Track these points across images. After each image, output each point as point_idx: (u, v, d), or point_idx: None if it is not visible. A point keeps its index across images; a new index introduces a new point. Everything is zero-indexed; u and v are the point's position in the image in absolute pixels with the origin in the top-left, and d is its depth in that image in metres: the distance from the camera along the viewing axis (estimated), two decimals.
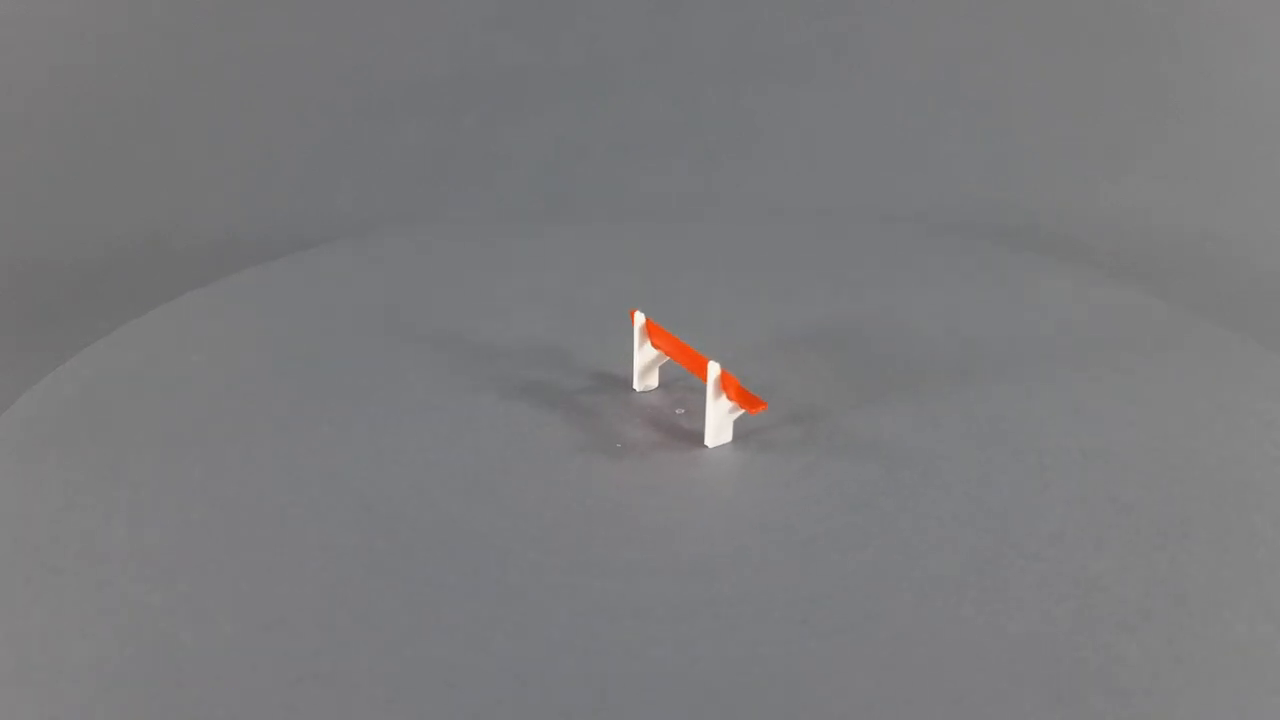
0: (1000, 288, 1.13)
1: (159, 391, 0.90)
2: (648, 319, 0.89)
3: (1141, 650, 0.64)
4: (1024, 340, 1.01)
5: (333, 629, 0.65)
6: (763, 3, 1.87)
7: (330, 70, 1.84)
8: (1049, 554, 0.72)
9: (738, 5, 1.87)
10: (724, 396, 0.82)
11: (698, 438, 0.83)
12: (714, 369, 0.81)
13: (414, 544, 0.72)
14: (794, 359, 0.96)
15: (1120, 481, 0.80)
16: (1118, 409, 0.89)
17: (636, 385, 0.91)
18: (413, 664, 0.62)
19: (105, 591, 0.68)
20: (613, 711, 0.59)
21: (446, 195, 1.75)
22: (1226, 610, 0.68)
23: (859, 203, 1.76)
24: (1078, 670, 0.62)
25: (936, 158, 1.82)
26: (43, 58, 1.78)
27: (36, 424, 0.86)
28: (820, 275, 1.15)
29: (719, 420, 0.83)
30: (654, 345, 0.89)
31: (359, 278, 1.14)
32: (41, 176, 1.73)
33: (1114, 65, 1.84)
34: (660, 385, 0.91)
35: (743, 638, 0.65)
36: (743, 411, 0.81)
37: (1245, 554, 0.73)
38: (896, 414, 0.88)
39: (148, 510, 0.75)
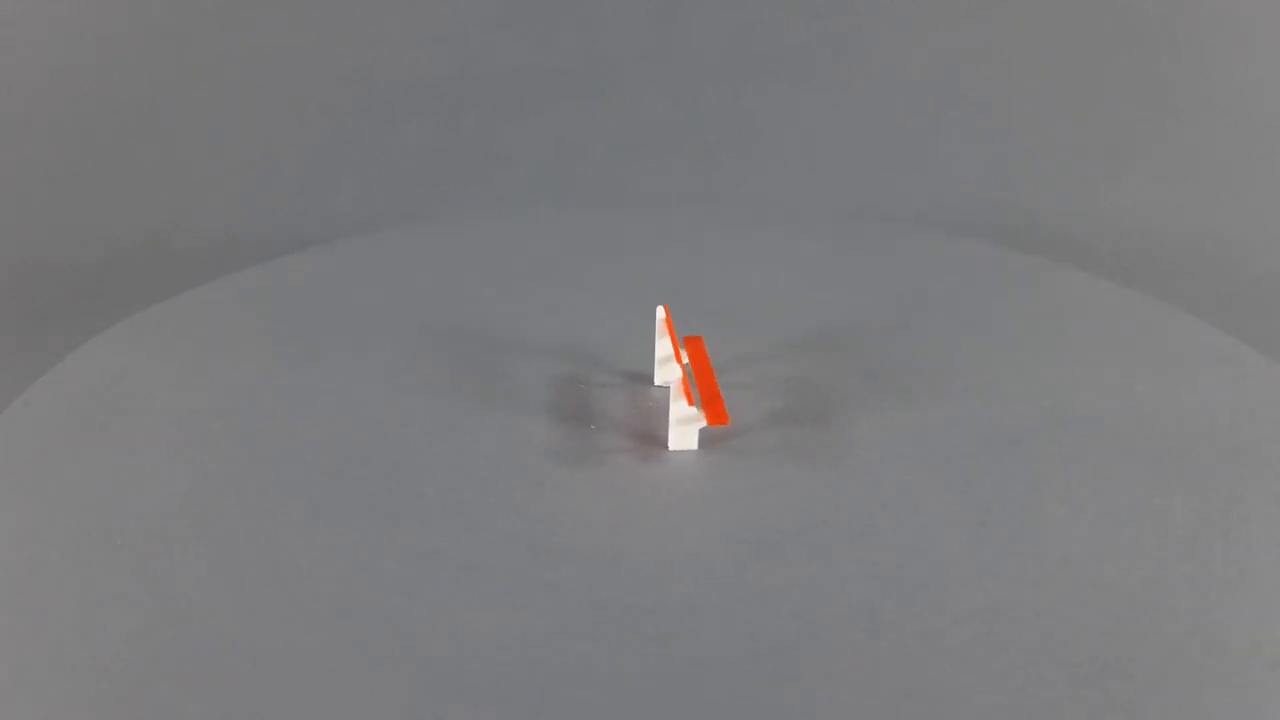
0: (1000, 289, 1.13)
1: (157, 389, 0.90)
2: (667, 313, 0.89)
3: None
4: (1021, 343, 1.00)
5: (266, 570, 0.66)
6: (763, 3, 1.87)
7: (330, 70, 1.84)
8: (926, 656, 0.63)
9: (738, 5, 1.87)
10: (683, 400, 0.81)
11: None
12: (674, 371, 0.80)
13: (351, 514, 0.75)
14: (794, 362, 0.96)
15: (1088, 567, 0.71)
16: (1115, 423, 0.87)
17: (657, 379, 0.91)
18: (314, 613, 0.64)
19: (101, 581, 0.68)
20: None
21: (446, 195, 1.76)
22: None
23: (859, 203, 1.76)
24: None
25: (936, 158, 1.82)
26: (43, 58, 1.78)
27: (36, 421, 0.86)
28: (825, 276, 1.15)
29: (679, 424, 0.82)
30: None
31: (359, 277, 1.14)
32: (41, 176, 1.73)
33: (1114, 65, 1.85)
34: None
35: (542, 637, 0.65)
36: (704, 421, 0.80)
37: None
38: (882, 428, 0.85)
39: (146, 505, 0.76)
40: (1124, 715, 0.60)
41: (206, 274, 1.15)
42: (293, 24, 1.83)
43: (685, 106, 1.85)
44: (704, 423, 0.80)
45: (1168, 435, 0.85)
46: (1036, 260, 1.21)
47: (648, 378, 0.91)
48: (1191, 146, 1.80)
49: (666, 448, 0.82)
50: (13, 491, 0.78)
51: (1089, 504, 0.77)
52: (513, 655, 0.64)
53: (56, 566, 0.71)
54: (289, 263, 1.17)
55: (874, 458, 0.82)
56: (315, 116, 1.82)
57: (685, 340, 0.89)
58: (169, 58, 1.81)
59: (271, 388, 0.90)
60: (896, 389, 0.91)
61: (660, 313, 0.88)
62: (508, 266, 1.15)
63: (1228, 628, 0.67)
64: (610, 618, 0.66)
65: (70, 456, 0.82)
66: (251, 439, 0.83)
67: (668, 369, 0.90)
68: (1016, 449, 0.83)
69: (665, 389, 0.90)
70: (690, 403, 0.81)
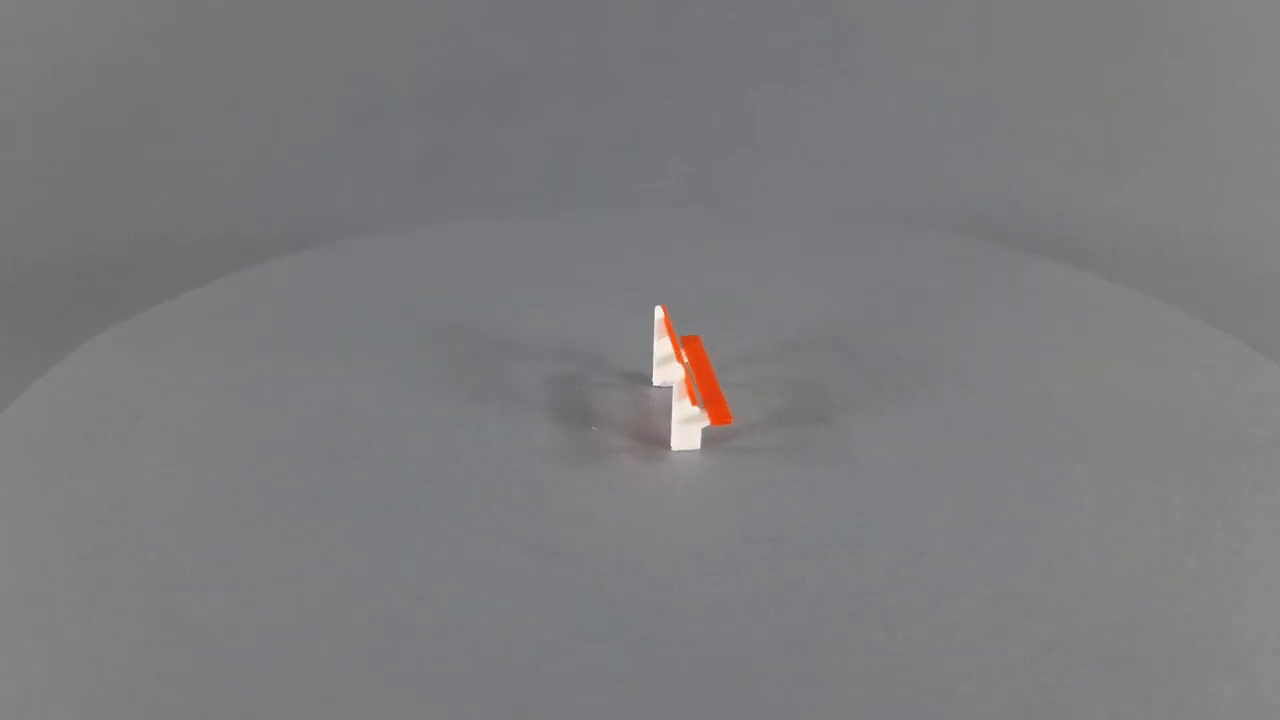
0: (999, 288, 1.13)
1: (157, 389, 0.90)
2: (665, 313, 0.88)
3: None
4: (1021, 343, 1.00)
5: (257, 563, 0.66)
6: (763, 3, 1.87)
7: (330, 70, 1.84)
8: (940, 651, 0.63)
9: (738, 5, 1.87)
10: (686, 400, 0.81)
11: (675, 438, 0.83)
12: (675, 372, 0.80)
13: (352, 518, 0.76)
14: (793, 361, 0.96)
15: (1093, 561, 0.71)
16: (1115, 421, 0.87)
17: (655, 379, 0.91)
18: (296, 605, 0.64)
19: (100, 586, 0.68)
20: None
21: (446, 195, 1.76)
22: None
23: (859, 203, 1.76)
24: None
25: (936, 158, 1.82)
26: (43, 58, 1.78)
27: (38, 421, 0.86)
28: (822, 275, 1.15)
29: (682, 424, 0.82)
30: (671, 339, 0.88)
31: (358, 278, 1.14)
32: (41, 176, 1.73)
33: (1114, 65, 1.85)
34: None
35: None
36: (707, 421, 0.79)
37: None
38: (883, 426, 0.85)
39: (146, 509, 0.76)
40: (1137, 704, 0.61)
41: (206, 274, 1.15)
42: (293, 24, 1.83)
43: (685, 106, 1.85)
44: (707, 422, 0.80)
45: (1167, 433, 0.85)
46: (1036, 260, 1.21)
47: (646, 378, 0.91)
48: (1191, 146, 1.80)
49: (669, 448, 0.82)
50: (12, 494, 0.78)
51: (1090, 500, 0.77)
52: (522, 660, 0.63)
53: (55, 571, 0.71)
54: (288, 263, 1.17)
55: (876, 456, 0.82)
56: (315, 116, 1.82)
57: (683, 340, 0.88)
58: (169, 58, 1.81)
59: (271, 390, 0.90)
60: (897, 388, 0.91)
61: (659, 313, 0.88)
62: (504, 267, 1.15)
63: (1234, 617, 0.67)
64: (618, 619, 0.66)
65: (70, 459, 0.82)
66: (251, 442, 0.83)
67: (667, 369, 0.90)
68: (1017, 447, 0.83)
69: (665, 389, 0.90)
70: (693, 402, 0.81)
